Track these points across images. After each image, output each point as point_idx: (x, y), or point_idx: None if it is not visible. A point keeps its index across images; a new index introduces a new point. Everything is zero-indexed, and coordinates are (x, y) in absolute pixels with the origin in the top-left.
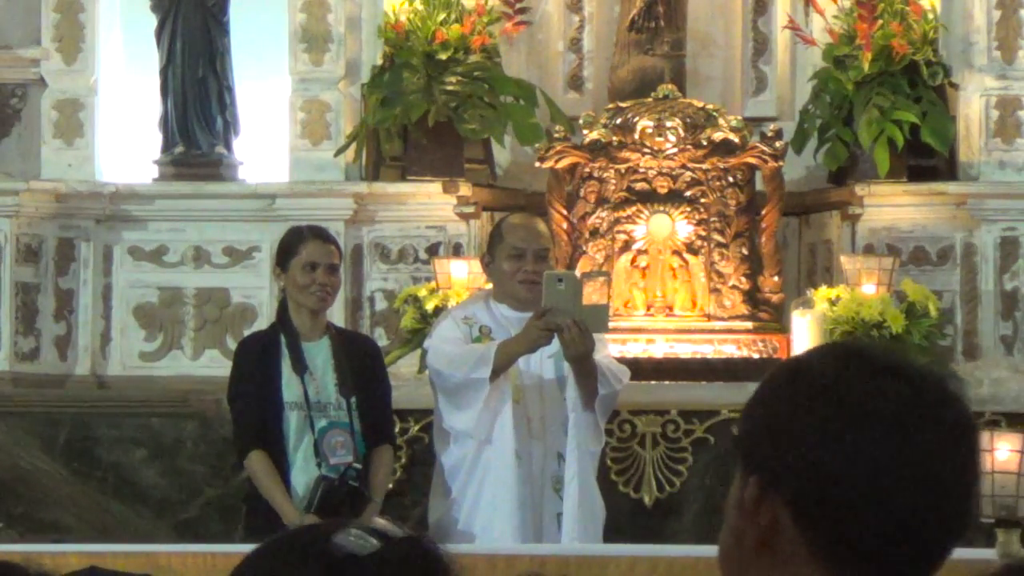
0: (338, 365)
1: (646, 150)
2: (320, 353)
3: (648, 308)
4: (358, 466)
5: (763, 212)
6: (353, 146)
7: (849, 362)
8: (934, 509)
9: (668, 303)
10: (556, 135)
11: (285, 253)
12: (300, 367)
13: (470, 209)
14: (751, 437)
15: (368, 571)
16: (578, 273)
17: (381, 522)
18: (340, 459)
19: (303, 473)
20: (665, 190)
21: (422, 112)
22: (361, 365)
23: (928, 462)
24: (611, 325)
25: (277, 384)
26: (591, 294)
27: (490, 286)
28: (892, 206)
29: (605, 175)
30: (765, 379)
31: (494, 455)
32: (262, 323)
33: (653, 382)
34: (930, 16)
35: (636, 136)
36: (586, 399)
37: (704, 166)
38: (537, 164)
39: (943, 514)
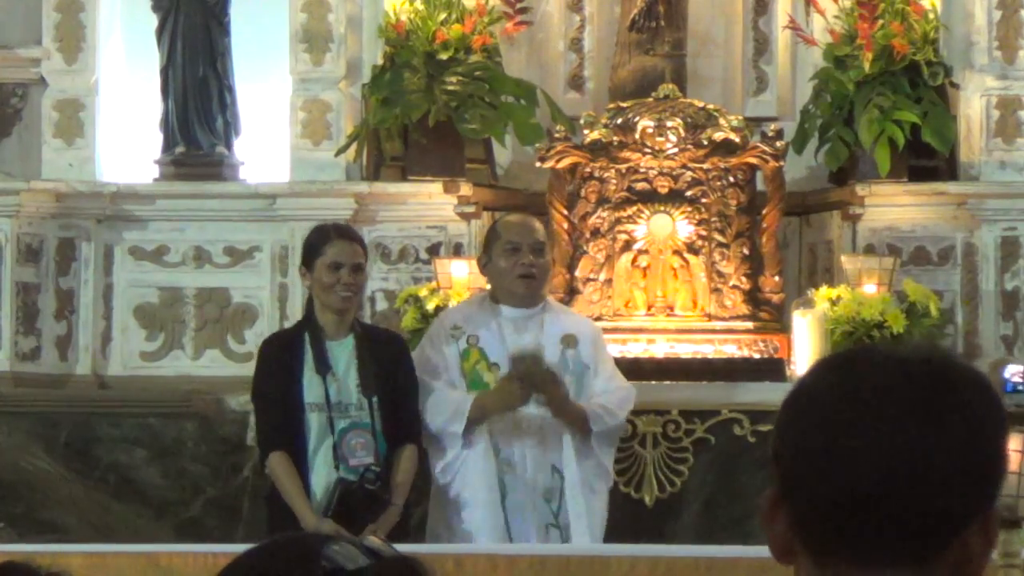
0: (361, 364)
1: (647, 150)
2: (344, 352)
3: (649, 308)
4: (377, 468)
5: (764, 212)
6: (354, 146)
7: (841, 364)
8: (920, 499)
9: (669, 303)
10: (557, 135)
11: (310, 252)
12: (323, 367)
13: (471, 209)
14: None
15: None
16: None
17: (375, 541)
18: (360, 460)
19: (322, 476)
20: (666, 190)
21: (423, 112)
22: (386, 362)
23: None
24: (612, 325)
25: (298, 385)
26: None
27: (488, 288)
28: (893, 206)
29: (606, 175)
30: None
31: (469, 489)
32: (263, 323)
33: (654, 382)
34: (931, 16)
35: (637, 136)
36: (581, 437)
37: (705, 166)
38: (538, 164)
39: (933, 503)
